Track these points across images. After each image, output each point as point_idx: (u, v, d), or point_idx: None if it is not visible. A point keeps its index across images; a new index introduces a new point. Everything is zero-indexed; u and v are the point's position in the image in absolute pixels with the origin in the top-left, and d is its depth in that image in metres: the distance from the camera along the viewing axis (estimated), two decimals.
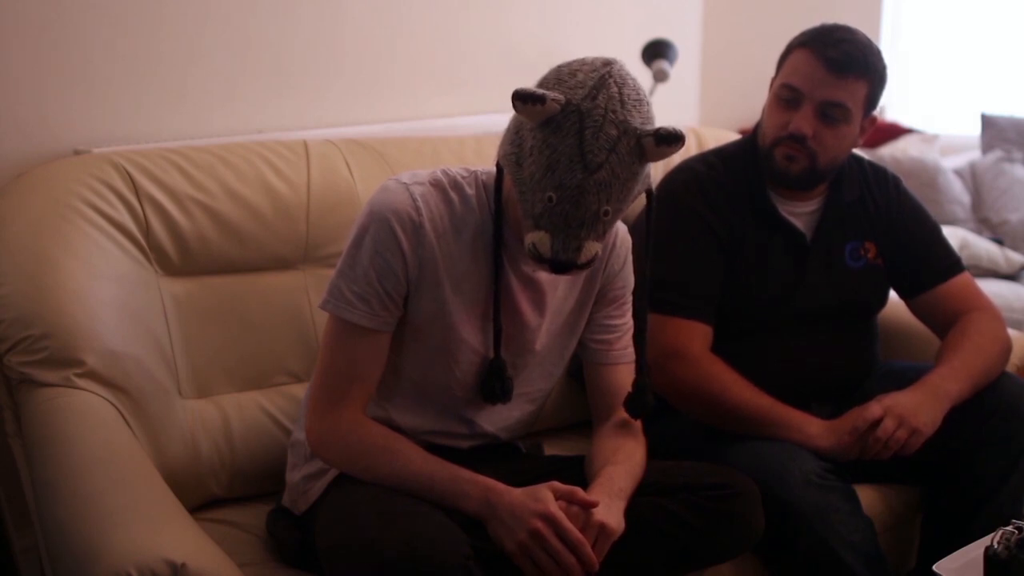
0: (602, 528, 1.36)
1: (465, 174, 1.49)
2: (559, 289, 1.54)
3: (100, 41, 1.90)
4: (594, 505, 1.36)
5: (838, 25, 1.78)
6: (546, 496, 1.35)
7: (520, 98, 1.28)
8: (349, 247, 1.44)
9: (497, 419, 1.57)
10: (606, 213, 1.32)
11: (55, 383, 1.53)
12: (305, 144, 1.88)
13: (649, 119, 1.34)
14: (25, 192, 1.63)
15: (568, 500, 1.36)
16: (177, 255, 1.71)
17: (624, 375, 1.57)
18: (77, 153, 1.85)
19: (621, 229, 1.60)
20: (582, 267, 1.34)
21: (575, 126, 1.29)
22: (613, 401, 1.58)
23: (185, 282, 1.72)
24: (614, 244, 1.58)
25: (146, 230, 1.68)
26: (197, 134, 2.04)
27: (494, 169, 1.44)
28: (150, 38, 1.97)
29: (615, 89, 1.30)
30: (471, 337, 1.48)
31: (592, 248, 1.33)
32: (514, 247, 1.47)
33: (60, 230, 1.59)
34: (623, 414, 1.56)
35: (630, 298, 1.60)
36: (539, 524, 1.32)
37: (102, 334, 1.57)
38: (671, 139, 1.30)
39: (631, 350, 1.56)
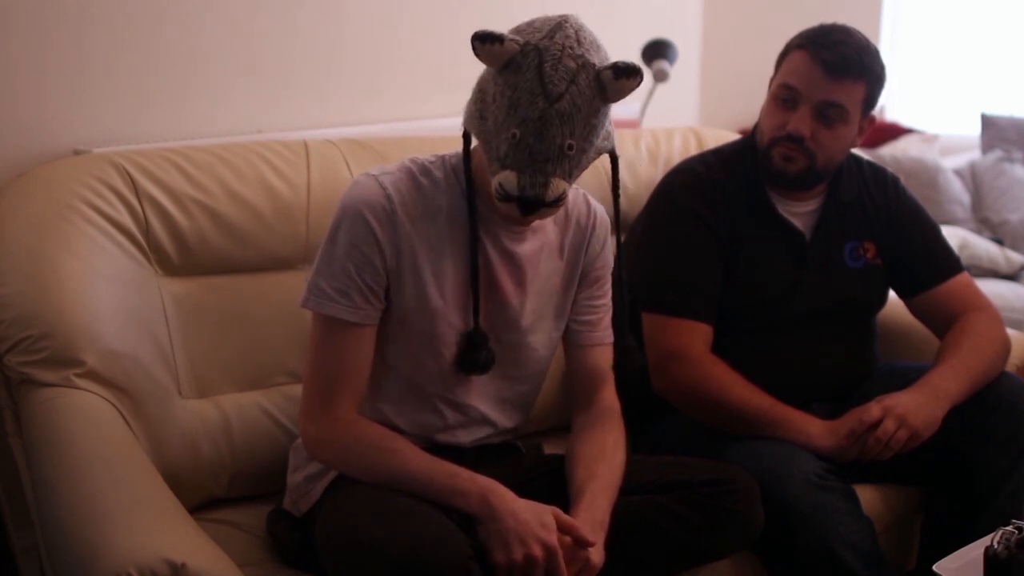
0: (587, 562, 1.37)
1: (433, 159, 1.50)
2: (540, 266, 1.54)
3: (100, 41, 1.90)
4: (591, 544, 1.37)
5: (836, 26, 1.78)
6: (551, 524, 1.35)
7: (479, 39, 1.31)
8: (325, 244, 1.44)
9: (491, 399, 1.56)
10: (570, 147, 1.32)
11: (55, 383, 1.53)
12: (305, 144, 1.88)
13: (606, 61, 1.35)
14: (25, 192, 1.63)
15: (567, 533, 1.36)
16: (177, 255, 1.71)
17: (606, 355, 1.59)
18: (77, 153, 1.85)
19: (599, 210, 1.60)
20: (551, 205, 1.34)
21: (534, 62, 1.31)
22: (595, 384, 1.59)
23: (185, 282, 1.72)
24: (594, 226, 1.59)
25: (146, 230, 1.68)
26: (197, 134, 2.03)
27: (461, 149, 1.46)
28: (150, 38, 1.97)
29: (571, 31, 1.33)
30: (457, 319, 1.48)
31: (559, 186, 1.33)
32: (492, 221, 1.47)
33: (60, 230, 1.59)
34: (605, 401, 1.58)
35: (610, 278, 1.61)
36: (539, 552, 1.32)
37: (102, 334, 1.57)
38: (629, 71, 1.31)
39: (611, 331, 1.58)
